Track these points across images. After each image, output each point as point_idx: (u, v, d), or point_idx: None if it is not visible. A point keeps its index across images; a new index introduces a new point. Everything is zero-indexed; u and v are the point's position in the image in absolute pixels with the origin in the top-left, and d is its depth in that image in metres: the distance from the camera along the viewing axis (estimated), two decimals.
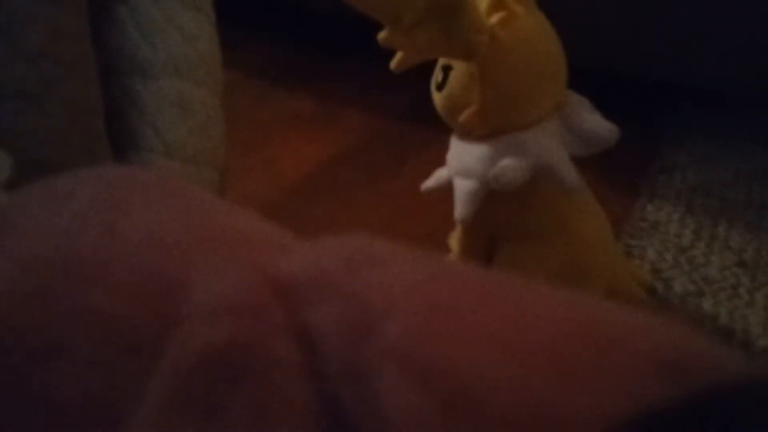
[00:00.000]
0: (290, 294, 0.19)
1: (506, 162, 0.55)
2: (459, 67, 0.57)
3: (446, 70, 0.58)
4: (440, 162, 0.64)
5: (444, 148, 0.63)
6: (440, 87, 0.59)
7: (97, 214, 0.23)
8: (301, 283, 0.19)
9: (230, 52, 0.64)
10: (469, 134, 0.58)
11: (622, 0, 0.85)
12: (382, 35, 0.54)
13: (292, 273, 0.20)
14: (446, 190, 0.63)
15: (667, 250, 0.75)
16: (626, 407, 0.14)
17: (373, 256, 0.19)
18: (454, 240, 0.70)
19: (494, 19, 0.55)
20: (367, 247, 0.20)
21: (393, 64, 0.58)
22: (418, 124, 1.02)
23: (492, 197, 0.58)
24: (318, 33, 1.31)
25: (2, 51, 0.40)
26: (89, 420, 0.20)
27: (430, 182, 0.65)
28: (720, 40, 0.84)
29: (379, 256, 0.19)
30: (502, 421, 0.14)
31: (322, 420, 0.17)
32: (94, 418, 0.20)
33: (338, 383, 0.17)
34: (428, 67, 0.60)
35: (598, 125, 0.57)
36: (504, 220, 0.61)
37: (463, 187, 0.58)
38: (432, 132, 1.01)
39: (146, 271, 0.21)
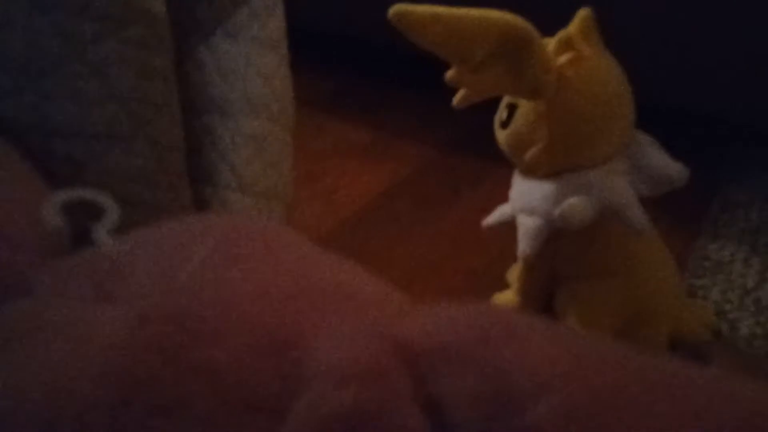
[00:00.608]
0: (417, 362, 0.20)
1: (573, 200, 0.55)
2: (525, 106, 0.57)
3: (511, 108, 0.58)
4: (495, 194, 0.64)
5: (498, 180, 0.63)
6: (504, 124, 0.59)
7: (213, 271, 0.24)
8: (429, 351, 0.20)
9: None
10: (534, 172, 0.58)
11: (684, 39, 0.85)
12: (450, 74, 0.55)
13: (417, 339, 0.20)
14: (502, 226, 0.63)
15: (732, 290, 0.73)
16: None
17: (509, 330, 0.19)
18: (513, 275, 0.70)
19: (562, 59, 0.55)
20: (502, 318, 0.20)
21: (456, 100, 0.59)
22: (472, 157, 1.02)
23: (556, 235, 0.57)
24: (373, 64, 1.33)
25: (94, 91, 0.41)
26: None
27: (491, 218, 0.65)
28: None
29: (515, 330, 0.19)
30: None
31: None
32: None
33: None
34: (483, 102, 0.60)
35: (667, 165, 0.57)
36: (568, 258, 0.61)
37: (527, 225, 0.58)
38: (486, 164, 1.01)
39: (263, 328, 0.22)
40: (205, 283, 0.23)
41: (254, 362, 0.21)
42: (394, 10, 0.50)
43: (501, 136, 0.60)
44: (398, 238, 0.87)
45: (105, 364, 0.21)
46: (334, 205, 0.93)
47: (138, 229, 0.28)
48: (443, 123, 1.12)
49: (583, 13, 0.57)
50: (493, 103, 0.61)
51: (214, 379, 0.20)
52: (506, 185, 0.63)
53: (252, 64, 0.53)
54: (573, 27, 0.56)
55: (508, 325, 0.20)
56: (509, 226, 0.61)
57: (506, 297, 0.68)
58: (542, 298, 0.65)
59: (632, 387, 0.17)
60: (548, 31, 0.55)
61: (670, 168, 0.57)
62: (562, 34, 0.55)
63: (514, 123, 0.58)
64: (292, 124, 0.58)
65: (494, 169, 1.02)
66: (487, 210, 0.67)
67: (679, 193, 0.86)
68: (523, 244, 0.58)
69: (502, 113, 0.60)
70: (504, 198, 0.63)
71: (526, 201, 0.59)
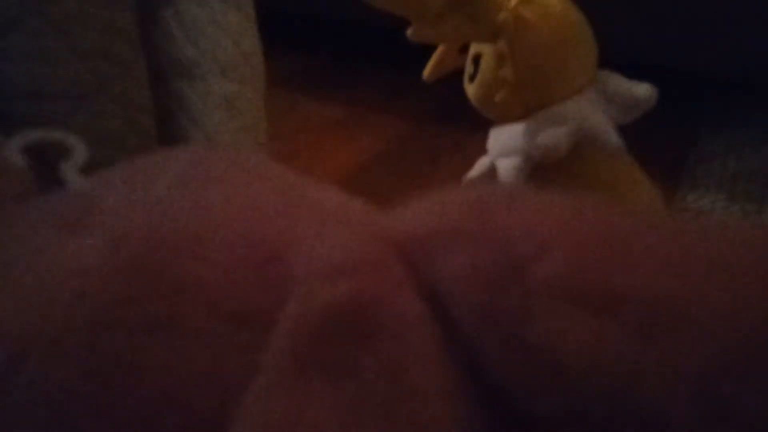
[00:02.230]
0: (410, 249, 0.19)
1: (548, 132, 0.55)
2: (488, 52, 0.57)
3: (476, 60, 0.59)
4: (473, 161, 0.64)
5: (476, 148, 0.63)
6: (472, 78, 0.59)
7: (190, 189, 0.22)
8: (423, 236, 0.19)
9: None
10: (507, 117, 0.58)
11: None
12: (410, 31, 0.56)
13: (408, 229, 0.19)
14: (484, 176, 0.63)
15: None
16: None
17: (509, 197, 0.19)
18: None
19: None
20: (495, 191, 0.19)
21: (425, 74, 0.60)
22: (447, 127, 1.02)
23: (537, 173, 0.57)
24: (343, 41, 1.32)
25: (57, 49, 0.39)
26: (198, 393, 0.19)
27: (473, 172, 0.65)
28: (751, 31, 0.84)
29: (511, 199, 0.19)
30: (712, 333, 0.13)
31: (458, 370, 0.16)
32: (204, 391, 0.19)
33: (475, 333, 0.16)
34: (453, 73, 0.61)
35: (633, 87, 0.57)
36: None
37: (506, 166, 0.58)
38: (462, 133, 1.00)
39: (247, 241, 0.21)
40: (182, 200, 0.22)
41: (240, 274, 0.20)
42: None
43: (471, 90, 0.60)
44: (379, 210, 0.86)
45: (81, 287, 0.19)
46: None
47: (108, 168, 0.26)
48: (416, 95, 1.11)
49: None
50: (462, 74, 0.61)
51: (199, 294, 0.19)
52: (484, 152, 0.62)
53: (219, 26, 0.51)
54: None
55: (503, 195, 0.19)
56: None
57: None
58: None
59: (636, 235, 0.16)
60: None
61: (637, 89, 0.58)
62: None
63: (481, 71, 0.59)
64: (263, 85, 0.57)
65: (471, 137, 1.02)
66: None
67: (658, 147, 0.86)
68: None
69: (469, 68, 0.60)
70: None
71: (502, 145, 0.59)
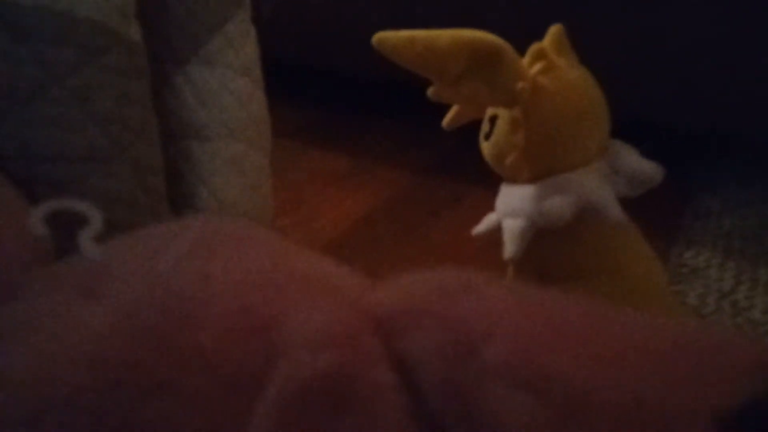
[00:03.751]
0: (385, 324, 0.21)
1: (553, 199, 0.57)
2: (504, 115, 0.59)
3: (493, 120, 0.61)
4: (473, 214, 0.65)
5: (476, 201, 0.64)
6: (488, 136, 0.61)
7: (193, 262, 0.25)
8: (395, 314, 0.21)
9: None
10: (516, 178, 0.60)
11: (653, 55, 0.88)
12: (431, 90, 0.58)
13: (384, 305, 0.21)
14: (486, 241, 0.64)
15: (709, 294, 0.75)
16: (730, 402, 0.15)
17: (466, 284, 0.21)
18: None
19: (536, 68, 0.58)
20: (459, 276, 0.22)
21: (445, 121, 0.62)
22: (449, 179, 1.04)
23: (541, 237, 0.59)
24: (347, 93, 1.35)
25: (75, 117, 0.42)
26: None
27: (480, 227, 0.66)
28: (746, 88, 0.86)
29: (472, 284, 0.21)
30: (619, 420, 0.15)
31: None
32: None
33: (439, 405, 0.18)
34: (466, 123, 0.62)
35: (642, 164, 0.59)
36: (553, 260, 0.62)
37: (512, 226, 0.60)
38: (463, 186, 1.03)
39: (241, 311, 0.23)
40: (186, 275, 0.24)
41: (235, 342, 0.22)
42: (376, 37, 0.55)
43: (485, 147, 0.62)
44: (380, 262, 0.88)
45: (93, 352, 0.21)
46: (314, 233, 0.94)
47: (120, 235, 0.28)
48: (419, 148, 1.14)
49: (554, 29, 0.60)
50: (467, 128, 0.63)
51: (199, 360, 0.21)
52: (484, 205, 0.64)
53: (228, 90, 0.54)
54: (545, 40, 0.59)
55: (465, 280, 0.21)
56: (492, 244, 0.63)
57: None
58: None
59: (572, 323, 0.18)
60: (524, 50, 0.58)
61: (645, 166, 0.59)
62: (534, 46, 0.58)
63: (495, 132, 0.61)
64: (269, 147, 0.59)
65: (472, 190, 1.04)
66: (467, 229, 0.68)
67: (654, 203, 0.88)
68: (509, 246, 0.59)
69: (485, 126, 0.62)
70: (483, 217, 0.65)
71: (509, 205, 0.60)
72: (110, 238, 0.29)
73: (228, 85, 0.54)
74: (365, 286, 0.25)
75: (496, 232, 0.62)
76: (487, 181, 0.63)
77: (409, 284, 0.22)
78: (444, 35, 0.55)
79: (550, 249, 0.61)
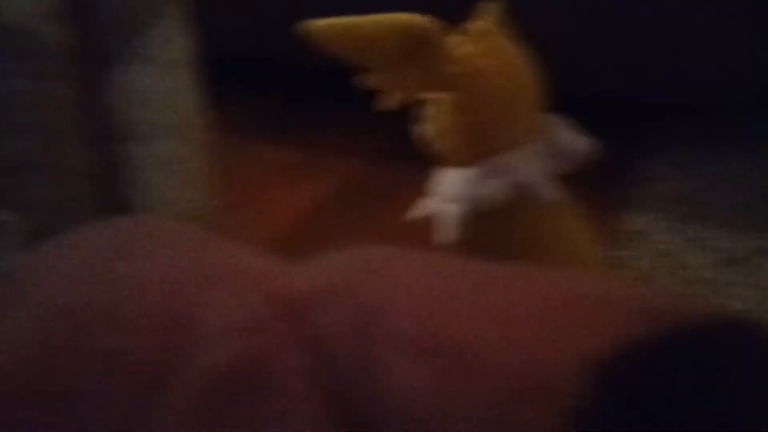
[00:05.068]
0: (296, 309, 0.21)
1: (489, 182, 0.57)
2: (441, 99, 0.59)
3: (430, 103, 0.60)
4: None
5: (426, 184, 0.64)
6: (426, 120, 0.61)
7: (105, 262, 0.24)
8: (306, 297, 0.21)
9: (210, 110, 0.66)
10: (454, 162, 0.60)
11: (591, 23, 0.89)
12: (366, 78, 0.57)
13: (296, 290, 0.22)
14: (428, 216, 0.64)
15: (657, 257, 0.77)
16: (610, 348, 0.15)
17: (373, 261, 0.21)
18: None
19: (470, 50, 0.57)
20: (366, 254, 0.22)
21: (381, 105, 0.61)
22: (400, 166, 1.04)
23: (478, 221, 0.59)
24: (293, 85, 1.34)
25: (1, 126, 0.41)
26: None
27: (416, 211, 0.66)
28: (687, 53, 0.88)
29: (378, 261, 0.21)
30: (502, 375, 0.16)
31: (338, 417, 0.18)
32: None
33: (348, 380, 0.18)
34: (406, 111, 0.62)
35: (577, 141, 0.60)
36: (491, 243, 0.62)
37: (448, 211, 0.60)
38: (413, 172, 1.02)
39: (155, 310, 0.23)
40: (98, 278, 0.24)
41: (146, 341, 0.22)
42: (304, 25, 0.53)
43: (423, 132, 0.62)
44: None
45: (9, 361, 0.21)
46: (264, 227, 0.93)
47: (43, 242, 0.28)
48: (368, 136, 1.14)
49: (489, 6, 0.60)
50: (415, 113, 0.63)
51: (108, 363, 0.21)
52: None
53: (160, 88, 0.53)
54: (479, 19, 0.59)
55: (370, 256, 0.21)
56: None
57: None
58: None
59: (465, 290, 0.19)
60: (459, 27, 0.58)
61: (580, 143, 0.60)
62: (469, 25, 0.58)
63: (432, 117, 0.60)
64: (206, 144, 0.58)
65: (423, 175, 1.04)
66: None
67: (600, 171, 0.89)
68: (446, 231, 0.59)
69: (423, 110, 0.62)
70: None
71: (447, 190, 0.60)
72: (34, 245, 0.29)
73: (161, 83, 0.53)
74: (284, 272, 0.25)
75: (433, 217, 0.62)
76: (435, 166, 0.63)
77: (321, 265, 0.23)
78: (371, 21, 0.54)
79: (487, 232, 0.61)
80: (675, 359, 0.15)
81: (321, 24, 0.53)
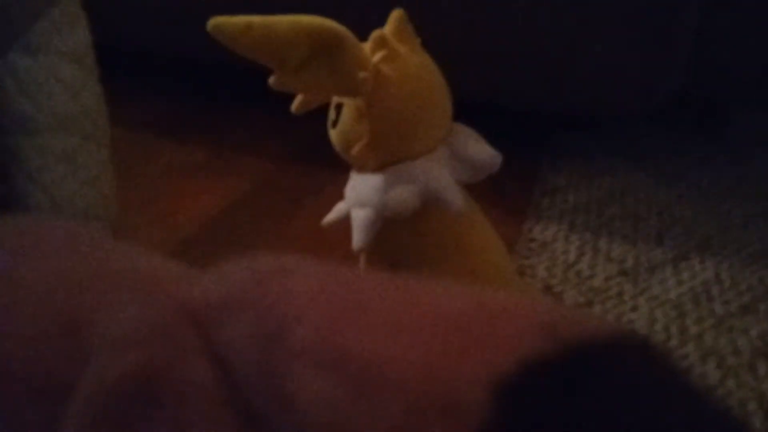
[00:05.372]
0: (200, 317, 0.20)
1: (397, 189, 0.57)
2: (349, 104, 0.59)
3: (339, 108, 0.60)
4: (335, 202, 0.65)
5: (338, 188, 0.64)
6: (334, 124, 0.61)
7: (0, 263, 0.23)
8: (211, 305, 0.20)
9: (113, 107, 0.64)
10: (363, 167, 0.60)
11: (498, 38, 0.91)
12: (272, 79, 0.56)
13: (200, 297, 0.21)
14: (346, 229, 0.64)
15: (556, 266, 0.79)
16: (510, 363, 0.15)
17: (281, 269, 0.21)
18: None
19: (377, 57, 0.57)
20: (274, 261, 0.21)
21: (294, 106, 0.60)
22: (311, 167, 1.04)
23: (389, 226, 0.59)
24: (202, 83, 1.31)
25: None
26: None
27: (330, 216, 0.66)
28: (584, 66, 0.91)
29: (286, 268, 0.20)
30: (403, 390, 0.16)
31: (240, 428, 0.18)
32: None
33: (253, 391, 0.18)
34: (318, 111, 0.62)
35: (482, 152, 0.61)
36: (402, 248, 0.63)
37: (358, 217, 0.60)
38: (325, 173, 1.03)
39: (49, 315, 0.21)
40: None
41: (40, 348, 0.20)
42: (211, 22, 0.52)
43: (332, 135, 0.62)
44: (242, 254, 0.86)
45: None
46: (172, 228, 0.91)
47: None
48: (278, 136, 1.13)
49: (396, 14, 0.60)
50: (326, 114, 0.62)
51: (5, 370, 0.20)
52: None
53: (56, 79, 0.51)
54: (387, 27, 0.59)
55: (278, 265, 0.21)
56: (351, 233, 0.63)
57: None
58: None
59: (373, 301, 0.18)
60: (367, 35, 0.58)
61: (485, 154, 0.61)
62: (376, 33, 0.58)
63: (341, 122, 0.60)
64: (108, 141, 0.56)
65: (333, 177, 1.04)
66: None
67: (505, 182, 0.91)
68: (357, 237, 0.60)
69: (332, 114, 0.62)
70: None
71: (357, 194, 0.61)
72: None
73: (55, 74, 0.51)
74: (188, 279, 0.24)
75: (347, 220, 0.63)
76: (349, 169, 0.63)
77: (226, 273, 0.22)
78: (283, 21, 0.53)
79: (397, 238, 0.62)
80: (580, 378, 0.15)
81: (230, 21, 0.52)
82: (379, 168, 0.60)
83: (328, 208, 0.67)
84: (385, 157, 0.59)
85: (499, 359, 0.15)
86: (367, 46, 0.58)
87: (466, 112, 0.64)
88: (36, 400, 0.20)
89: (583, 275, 0.77)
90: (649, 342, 0.17)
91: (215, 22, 0.52)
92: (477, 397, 0.15)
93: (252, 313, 0.19)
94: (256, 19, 0.53)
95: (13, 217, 0.30)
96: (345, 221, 0.65)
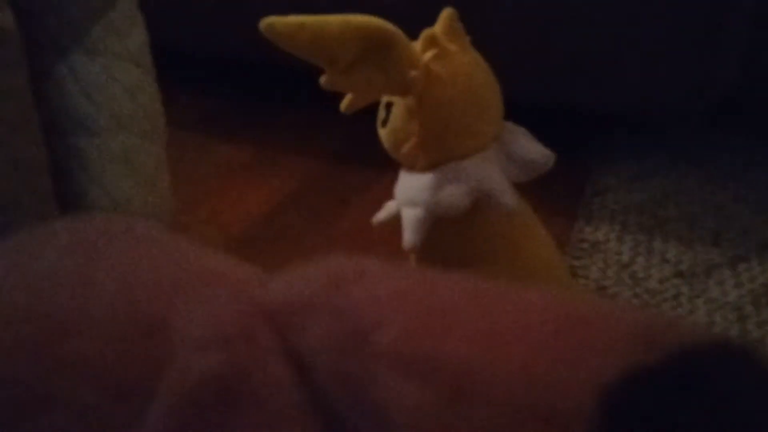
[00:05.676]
0: (278, 319, 0.20)
1: (449, 188, 0.57)
2: (399, 103, 0.59)
3: (389, 107, 0.60)
4: (382, 200, 0.65)
5: (385, 187, 0.64)
6: (384, 123, 0.61)
7: (70, 265, 0.23)
8: (288, 307, 0.20)
9: (164, 108, 0.65)
10: (413, 166, 0.60)
11: (548, 36, 0.90)
12: (323, 78, 0.56)
13: (277, 299, 0.21)
14: (393, 227, 0.64)
15: (610, 267, 0.78)
16: (614, 371, 0.15)
17: (358, 272, 0.20)
18: None
19: (428, 55, 0.57)
20: (351, 264, 0.21)
21: (343, 105, 0.60)
22: (357, 166, 1.04)
23: (440, 226, 0.59)
24: (249, 82, 1.33)
25: None
26: None
27: (380, 215, 0.66)
28: (640, 66, 0.89)
29: (363, 272, 0.20)
30: (503, 398, 0.15)
31: (319, 429, 0.17)
32: None
33: (333, 395, 0.18)
34: (364, 110, 0.62)
35: (534, 151, 0.60)
36: (453, 248, 0.62)
37: (409, 216, 0.60)
38: (371, 172, 1.03)
39: (126, 316, 0.22)
40: (65, 279, 0.22)
41: (121, 349, 0.20)
42: (263, 22, 0.52)
43: (382, 134, 0.62)
44: (290, 252, 0.86)
45: None
46: (221, 227, 0.92)
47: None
48: (325, 135, 1.13)
49: (446, 13, 0.60)
50: (373, 113, 0.62)
51: (81, 371, 0.20)
52: (393, 193, 0.64)
53: (115, 80, 0.51)
54: (437, 26, 0.59)
55: (357, 268, 0.21)
56: (399, 232, 0.63)
57: None
58: None
59: (458, 306, 0.18)
60: (417, 34, 0.58)
61: (537, 153, 0.60)
62: (426, 32, 0.58)
63: (391, 121, 0.60)
64: (164, 139, 0.57)
65: (380, 176, 1.04)
66: None
67: (556, 183, 0.90)
68: (407, 235, 0.59)
69: (381, 113, 0.61)
70: None
71: (407, 194, 0.60)
72: None
73: (115, 75, 0.51)
74: (259, 281, 0.24)
75: (399, 219, 0.62)
76: (395, 169, 0.63)
77: (302, 275, 0.22)
78: (334, 21, 0.53)
79: (449, 237, 0.61)
80: (684, 387, 0.14)
81: (283, 21, 0.53)
82: (429, 167, 0.59)
83: (375, 207, 0.67)
84: (436, 156, 0.59)
85: (603, 367, 0.15)
86: (417, 45, 0.58)
87: (516, 112, 0.64)
88: (118, 401, 0.20)
89: (638, 277, 0.76)
90: (748, 347, 0.17)
91: (268, 21, 0.52)
92: (582, 405, 0.14)
93: (331, 316, 0.19)
94: (308, 18, 0.54)
95: (83, 216, 0.31)
96: (393, 220, 0.65)
